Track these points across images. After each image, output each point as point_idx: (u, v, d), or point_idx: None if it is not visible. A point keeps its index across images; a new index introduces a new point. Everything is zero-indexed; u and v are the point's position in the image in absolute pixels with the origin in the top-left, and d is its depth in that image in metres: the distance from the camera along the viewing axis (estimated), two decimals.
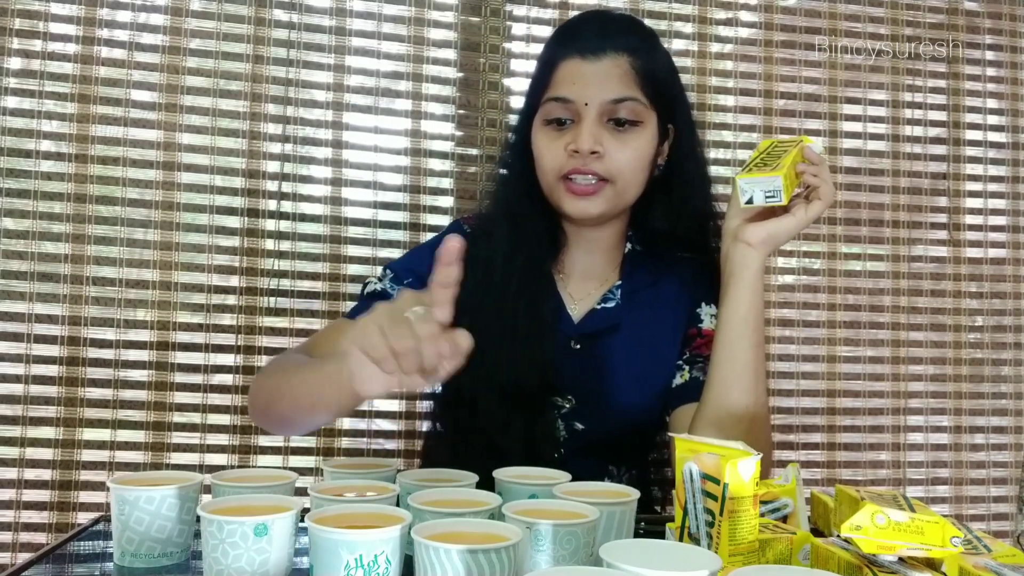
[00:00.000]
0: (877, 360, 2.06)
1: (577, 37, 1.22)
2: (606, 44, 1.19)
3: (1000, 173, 2.13)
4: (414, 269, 1.25)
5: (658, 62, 1.23)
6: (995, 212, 2.13)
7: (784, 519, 0.88)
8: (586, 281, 1.31)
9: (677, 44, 2.00)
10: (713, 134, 2.01)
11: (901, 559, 0.69)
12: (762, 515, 0.82)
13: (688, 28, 2.00)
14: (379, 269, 1.31)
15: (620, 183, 1.20)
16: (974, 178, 2.12)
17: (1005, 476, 2.10)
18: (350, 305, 1.81)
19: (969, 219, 2.11)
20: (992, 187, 2.13)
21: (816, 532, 0.92)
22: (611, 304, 1.27)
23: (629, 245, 1.33)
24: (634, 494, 0.91)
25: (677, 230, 1.28)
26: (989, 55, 2.12)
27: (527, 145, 1.26)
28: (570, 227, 1.29)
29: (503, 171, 1.34)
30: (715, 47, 2.02)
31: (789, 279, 2.04)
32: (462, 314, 1.16)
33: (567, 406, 1.25)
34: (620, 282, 1.28)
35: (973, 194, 2.12)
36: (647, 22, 1.94)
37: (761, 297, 1.13)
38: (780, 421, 2.01)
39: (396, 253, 1.78)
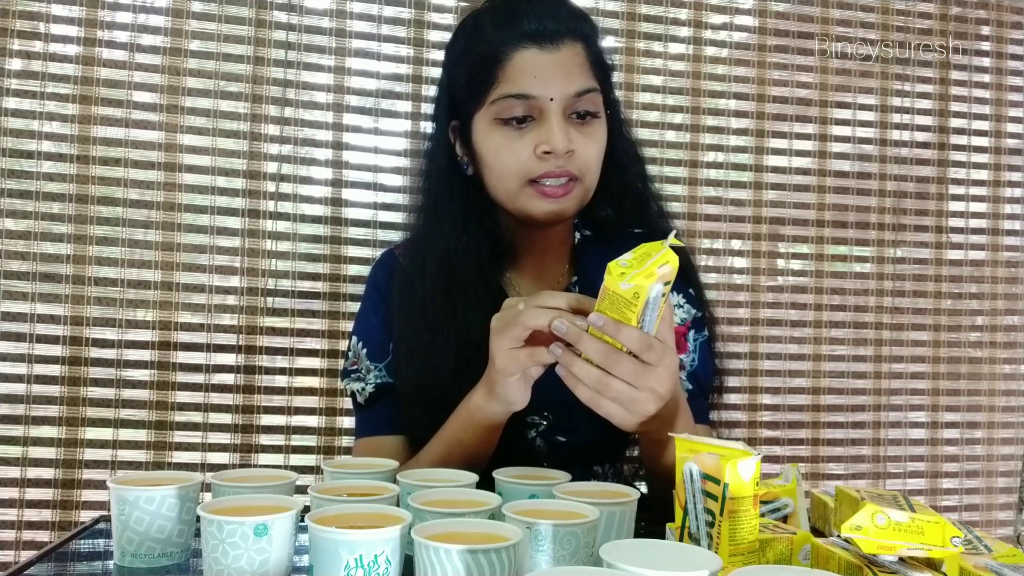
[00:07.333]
0: (860, 359, 2.11)
1: (526, 22, 1.08)
2: (562, 30, 1.07)
3: (983, 177, 2.16)
4: (372, 337, 1.19)
5: (602, 47, 1.15)
6: (976, 215, 2.17)
7: (784, 519, 0.88)
8: (539, 284, 1.21)
9: (673, 48, 2.02)
10: (709, 137, 2.03)
11: (901, 559, 0.69)
12: (762, 515, 0.82)
13: (684, 32, 2.02)
14: (346, 382, 1.20)
15: (588, 179, 1.11)
16: (957, 182, 2.15)
17: (977, 469, 2.16)
18: (350, 305, 1.83)
19: (952, 222, 2.15)
20: (975, 191, 2.16)
21: (816, 532, 0.92)
22: None
23: (577, 235, 1.24)
24: (634, 494, 0.90)
25: (621, 215, 1.22)
26: (976, 61, 2.15)
27: (451, 147, 1.15)
28: (517, 229, 1.17)
29: (426, 179, 1.19)
30: (710, 51, 2.04)
31: (778, 280, 2.07)
32: (412, 353, 1.13)
33: (544, 423, 1.17)
34: (576, 278, 1.20)
35: (956, 197, 2.16)
36: (644, 27, 1.99)
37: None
38: (767, 418, 2.05)
39: None
